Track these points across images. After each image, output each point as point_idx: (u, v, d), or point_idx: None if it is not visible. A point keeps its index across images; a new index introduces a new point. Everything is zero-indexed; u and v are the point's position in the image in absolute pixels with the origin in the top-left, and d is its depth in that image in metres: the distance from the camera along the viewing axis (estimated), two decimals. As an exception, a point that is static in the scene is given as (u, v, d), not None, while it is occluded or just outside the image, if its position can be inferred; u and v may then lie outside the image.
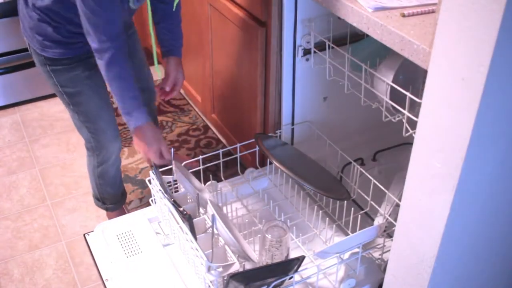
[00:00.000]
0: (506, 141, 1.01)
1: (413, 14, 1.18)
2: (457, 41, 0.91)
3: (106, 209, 2.09)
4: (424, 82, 1.40)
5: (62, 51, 1.67)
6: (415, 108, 1.32)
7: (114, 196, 2.05)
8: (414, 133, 1.28)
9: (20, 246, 2.12)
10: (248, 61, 1.90)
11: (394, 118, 1.38)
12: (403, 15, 1.17)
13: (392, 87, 1.34)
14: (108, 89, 1.63)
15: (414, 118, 1.26)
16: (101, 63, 1.55)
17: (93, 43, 1.52)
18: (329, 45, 1.57)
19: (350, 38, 1.61)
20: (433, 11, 1.19)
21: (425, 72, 1.03)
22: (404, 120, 1.31)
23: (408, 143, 1.71)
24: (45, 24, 1.62)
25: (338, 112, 1.89)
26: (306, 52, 1.69)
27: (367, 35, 1.28)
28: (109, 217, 2.11)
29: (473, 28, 0.87)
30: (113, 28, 1.52)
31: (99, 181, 1.97)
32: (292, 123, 1.84)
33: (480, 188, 1.06)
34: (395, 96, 1.35)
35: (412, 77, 1.42)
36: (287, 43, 1.67)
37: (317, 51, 1.63)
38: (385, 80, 1.35)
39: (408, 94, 1.27)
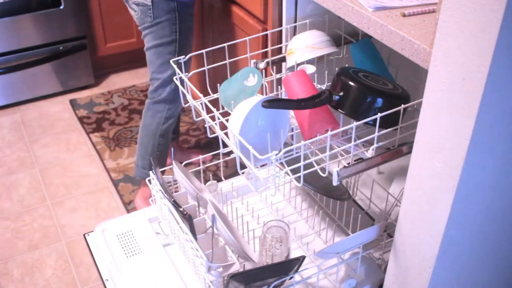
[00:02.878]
0: (506, 141, 1.01)
1: (413, 14, 1.18)
2: (457, 41, 0.91)
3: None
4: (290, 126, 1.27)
5: None
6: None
7: (163, 162, 2.13)
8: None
9: (20, 246, 2.12)
10: (248, 61, 1.90)
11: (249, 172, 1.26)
12: (404, 15, 1.17)
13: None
14: None
15: (259, 175, 1.10)
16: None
17: None
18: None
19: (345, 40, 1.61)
20: (433, 11, 1.18)
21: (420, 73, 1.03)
22: (254, 178, 1.17)
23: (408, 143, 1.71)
24: None
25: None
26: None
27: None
28: (144, 193, 2.17)
29: (473, 28, 0.87)
30: None
31: (161, 140, 2.06)
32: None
33: (480, 188, 1.06)
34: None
35: (276, 121, 1.27)
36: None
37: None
38: (231, 131, 1.20)
39: (250, 148, 1.11)
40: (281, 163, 1.22)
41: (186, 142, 2.65)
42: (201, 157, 1.68)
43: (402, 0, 1.24)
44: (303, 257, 1.29)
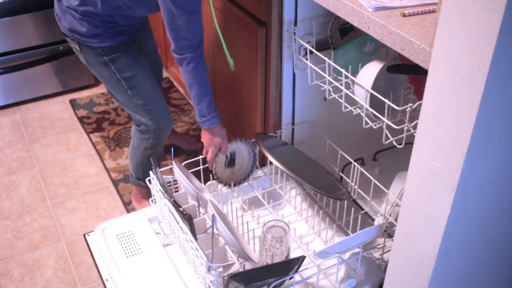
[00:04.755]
0: (506, 141, 1.01)
1: (413, 14, 1.18)
2: (457, 41, 0.91)
3: (146, 187, 2.11)
4: (404, 88, 1.41)
5: (120, 37, 1.79)
6: (396, 114, 1.32)
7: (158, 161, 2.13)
8: (394, 140, 1.30)
9: (20, 246, 2.12)
10: (248, 61, 1.90)
11: (375, 125, 1.36)
12: (404, 15, 1.17)
13: (372, 93, 1.32)
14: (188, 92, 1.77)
15: (394, 126, 1.27)
16: (183, 69, 1.69)
17: (176, 52, 1.66)
18: (310, 50, 1.55)
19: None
20: (433, 11, 1.18)
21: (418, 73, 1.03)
22: (384, 127, 1.31)
23: (408, 143, 1.71)
24: (100, 19, 1.74)
25: (339, 112, 1.89)
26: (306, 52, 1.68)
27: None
28: (137, 197, 2.19)
29: (473, 28, 0.87)
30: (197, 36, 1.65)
31: (151, 155, 2.01)
32: (293, 123, 1.84)
33: (480, 188, 1.06)
34: (377, 102, 1.34)
35: (393, 83, 1.41)
36: (287, 42, 1.67)
37: (314, 51, 1.63)
38: (364, 86, 1.34)
39: (387, 101, 1.26)
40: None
41: (182, 134, 2.65)
42: (201, 157, 1.68)
43: (402, 0, 1.24)
44: (303, 257, 1.29)
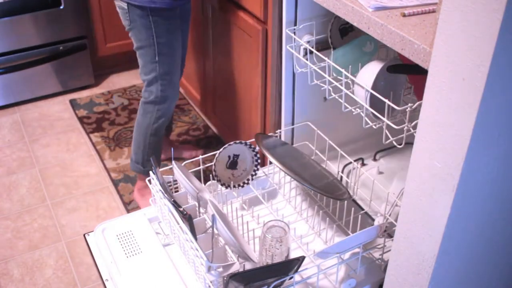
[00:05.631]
0: (506, 141, 1.01)
1: (413, 14, 1.18)
2: (457, 41, 0.91)
3: (145, 173, 2.14)
4: (404, 88, 1.42)
5: (167, 1, 1.85)
6: (396, 115, 1.32)
7: (157, 157, 2.17)
8: (394, 140, 1.30)
9: (20, 246, 2.12)
10: (248, 61, 1.90)
11: (375, 125, 1.37)
12: (404, 15, 1.17)
13: (372, 93, 1.33)
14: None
15: (394, 126, 1.27)
16: None
17: None
18: (310, 50, 1.56)
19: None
20: (433, 11, 1.18)
21: (423, 72, 1.03)
22: (384, 127, 1.31)
23: (408, 143, 1.71)
24: None
25: (338, 112, 1.89)
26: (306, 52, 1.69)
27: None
28: (140, 186, 2.22)
29: (473, 28, 0.87)
30: None
31: (152, 139, 2.10)
32: (292, 123, 1.84)
33: (480, 188, 1.06)
34: (377, 102, 1.34)
35: (393, 83, 1.41)
36: (287, 42, 1.67)
37: (314, 51, 1.63)
38: (364, 86, 1.34)
39: (387, 101, 1.26)
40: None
41: (186, 142, 2.65)
42: (201, 157, 1.68)
43: (402, 0, 1.24)
44: (303, 257, 1.29)
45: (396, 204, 1.47)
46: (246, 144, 1.66)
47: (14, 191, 2.38)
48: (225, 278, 1.31)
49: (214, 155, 1.63)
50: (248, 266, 1.39)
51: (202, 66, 2.41)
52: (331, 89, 1.51)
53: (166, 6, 1.88)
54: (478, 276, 1.29)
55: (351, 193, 1.60)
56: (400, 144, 1.29)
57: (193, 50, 2.46)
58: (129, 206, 2.27)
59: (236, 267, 1.32)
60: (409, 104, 1.24)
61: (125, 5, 1.91)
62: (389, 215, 1.47)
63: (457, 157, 0.98)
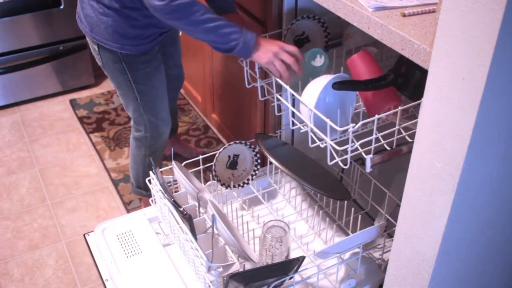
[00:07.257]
0: (506, 141, 1.01)
1: (413, 14, 1.18)
2: (457, 40, 0.91)
3: (148, 196, 2.09)
4: (354, 105, 1.34)
5: (141, 46, 1.71)
6: (341, 133, 1.26)
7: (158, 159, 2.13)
8: (339, 161, 1.26)
9: (20, 246, 2.12)
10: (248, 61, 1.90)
11: (321, 144, 1.29)
12: (404, 15, 1.17)
13: (316, 112, 1.25)
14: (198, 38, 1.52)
15: (336, 147, 1.21)
16: (178, 24, 1.47)
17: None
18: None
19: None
20: (433, 11, 1.18)
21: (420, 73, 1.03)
22: (328, 147, 1.25)
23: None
24: (123, 20, 1.64)
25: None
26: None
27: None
28: (146, 205, 2.14)
29: (473, 27, 0.87)
30: None
31: (148, 169, 2.02)
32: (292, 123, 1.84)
33: (480, 188, 1.06)
34: (322, 120, 1.25)
35: (343, 99, 1.33)
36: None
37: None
38: (307, 105, 1.27)
39: (328, 121, 1.21)
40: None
41: (186, 142, 2.65)
42: (201, 157, 1.68)
43: (402, 0, 1.24)
44: (303, 257, 1.29)
45: (396, 204, 1.47)
46: (246, 144, 1.66)
47: (14, 191, 2.38)
48: (225, 278, 1.31)
49: (214, 155, 1.63)
50: (248, 266, 1.39)
51: (202, 66, 2.41)
52: (280, 105, 1.45)
53: (140, 52, 1.72)
54: (478, 276, 1.29)
55: (351, 193, 1.60)
56: (345, 165, 1.24)
57: (193, 51, 2.46)
58: (129, 206, 2.27)
59: (236, 267, 1.33)
60: (352, 124, 1.19)
61: (95, 46, 1.73)
62: (389, 215, 1.47)
63: (457, 157, 0.98)
